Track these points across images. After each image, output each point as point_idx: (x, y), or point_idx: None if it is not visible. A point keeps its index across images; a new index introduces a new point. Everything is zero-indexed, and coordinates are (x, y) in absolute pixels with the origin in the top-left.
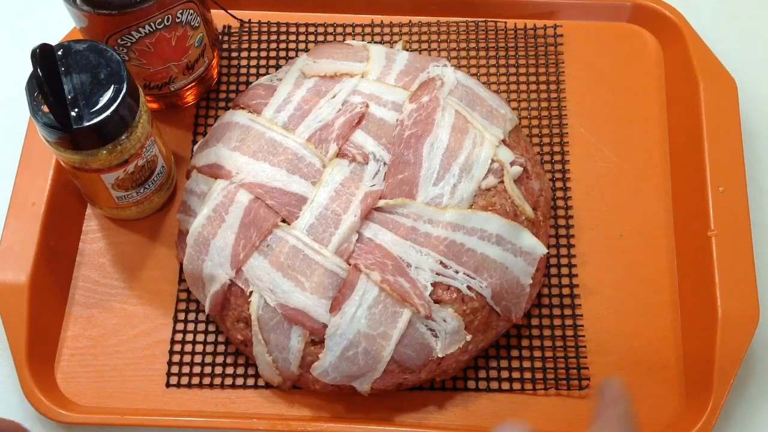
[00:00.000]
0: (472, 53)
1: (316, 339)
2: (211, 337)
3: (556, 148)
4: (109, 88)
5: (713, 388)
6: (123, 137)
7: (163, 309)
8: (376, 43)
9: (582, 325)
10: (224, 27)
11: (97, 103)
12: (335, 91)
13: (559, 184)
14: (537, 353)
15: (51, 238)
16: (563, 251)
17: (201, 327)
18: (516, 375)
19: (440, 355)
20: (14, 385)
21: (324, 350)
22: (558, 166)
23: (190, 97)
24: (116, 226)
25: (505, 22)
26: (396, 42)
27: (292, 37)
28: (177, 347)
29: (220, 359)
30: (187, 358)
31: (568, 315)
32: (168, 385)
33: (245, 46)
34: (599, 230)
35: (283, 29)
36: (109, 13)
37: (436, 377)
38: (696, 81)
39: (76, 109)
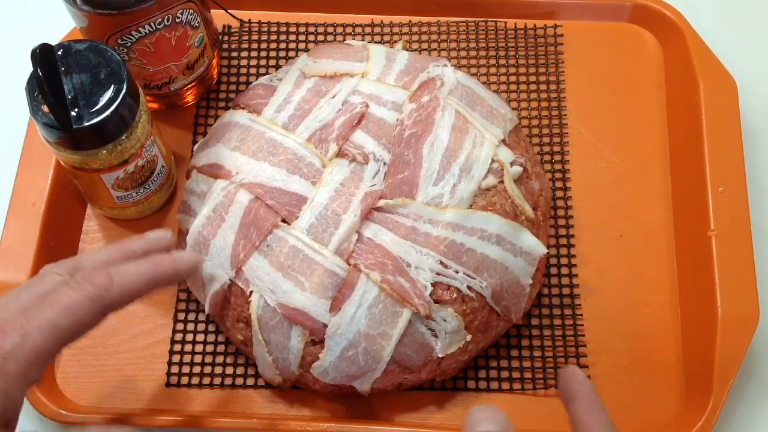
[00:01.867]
0: (472, 53)
1: (316, 339)
2: (211, 337)
3: (556, 148)
4: (109, 88)
5: (713, 388)
6: (123, 137)
7: (163, 309)
8: (376, 43)
9: (582, 325)
10: (224, 27)
11: (97, 103)
12: (335, 91)
13: (559, 184)
14: (537, 353)
15: (51, 238)
16: (563, 251)
17: (201, 327)
18: (516, 375)
19: (440, 355)
20: None
21: (324, 350)
22: (558, 166)
23: (190, 97)
24: (116, 226)
25: (505, 22)
26: (396, 42)
27: (292, 37)
28: (177, 347)
29: (220, 359)
30: (187, 358)
31: (568, 315)
32: (168, 385)
33: (245, 46)
34: (599, 230)
35: (283, 29)
36: (109, 13)
37: (436, 377)
38: (696, 81)
39: (76, 109)
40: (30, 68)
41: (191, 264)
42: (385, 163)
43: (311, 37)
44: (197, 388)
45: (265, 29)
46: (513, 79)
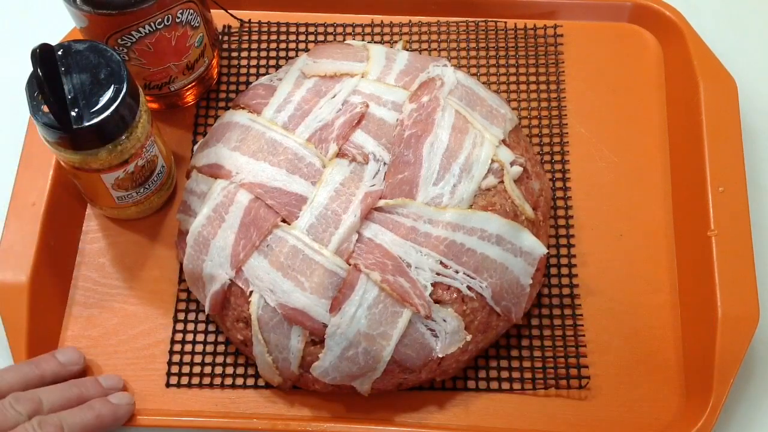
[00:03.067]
0: (472, 53)
1: (316, 339)
2: (211, 337)
3: (556, 148)
4: (109, 88)
5: (713, 388)
6: (123, 137)
7: (163, 309)
8: (376, 43)
9: (582, 325)
10: (224, 27)
11: (97, 103)
12: (335, 91)
13: (559, 184)
14: (537, 353)
15: (51, 238)
16: (563, 251)
17: (201, 327)
18: (516, 375)
19: (440, 355)
20: None
21: (324, 350)
22: (558, 166)
23: (190, 97)
24: (116, 226)
25: (505, 22)
26: (396, 42)
27: (292, 37)
28: (177, 347)
29: (220, 359)
30: (187, 358)
31: (568, 315)
32: (168, 385)
33: (245, 46)
34: (599, 230)
35: (283, 29)
36: (109, 13)
37: (436, 377)
38: (696, 81)
39: (76, 109)
40: (30, 68)
41: (129, 410)
42: (385, 163)
43: (311, 37)
44: (197, 388)
45: (265, 29)
46: (513, 79)
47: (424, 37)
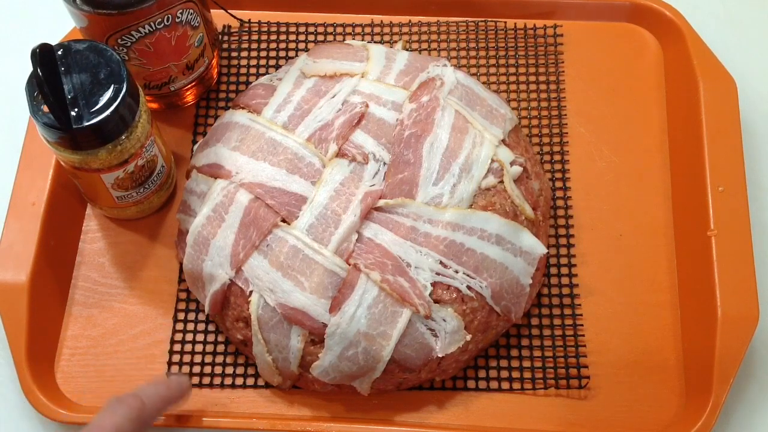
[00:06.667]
0: (472, 53)
1: (316, 339)
2: (211, 337)
3: (556, 148)
4: (109, 87)
5: (713, 388)
6: (123, 137)
7: (163, 309)
8: (376, 43)
9: (582, 325)
10: (224, 27)
11: (97, 103)
12: (335, 90)
13: (559, 184)
14: (537, 353)
15: (51, 238)
16: (563, 251)
17: (201, 327)
18: (516, 375)
19: (440, 355)
20: (14, 385)
21: (324, 350)
22: (558, 166)
23: (190, 97)
24: (116, 226)
25: (505, 22)
26: (396, 42)
27: (292, 37)
28: (177, 347)
29: (220, 359)
30: (186, 358)
31: (568, 315)
32: None
33: (245, 46)
34: (599, 230)
35: (283, 29)
36: (109, 13)
37: (436, 377)
38: (696, 81)
39: (76, 109)
40: (30, 68)
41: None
42: (385, 163)
43: (311, 37)
44: (197, 388)
45: (265, 29)
46: (513, 79)
47: (424, 37)
